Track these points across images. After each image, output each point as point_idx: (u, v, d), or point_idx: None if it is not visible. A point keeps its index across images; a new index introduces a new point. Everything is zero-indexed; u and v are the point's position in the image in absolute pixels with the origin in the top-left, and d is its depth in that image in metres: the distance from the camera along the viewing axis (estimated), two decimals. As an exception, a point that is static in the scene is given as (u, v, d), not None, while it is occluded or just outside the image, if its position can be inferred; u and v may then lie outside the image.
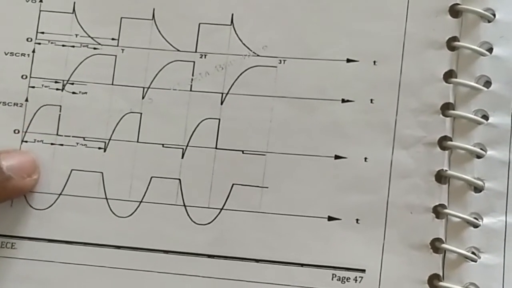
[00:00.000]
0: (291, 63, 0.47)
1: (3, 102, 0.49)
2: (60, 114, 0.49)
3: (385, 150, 0.45)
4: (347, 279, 0.45)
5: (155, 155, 0.48)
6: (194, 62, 0.48)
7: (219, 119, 0.47)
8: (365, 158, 0.46)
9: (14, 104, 0.49)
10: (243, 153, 0.47)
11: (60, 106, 0.49)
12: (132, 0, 0.49)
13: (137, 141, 0.48)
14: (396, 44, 0.46)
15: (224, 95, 0.47)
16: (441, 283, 0.45)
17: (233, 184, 0.47)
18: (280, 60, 0.47)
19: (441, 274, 0.45)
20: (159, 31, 0.48)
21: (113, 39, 0.49)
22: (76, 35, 0.49)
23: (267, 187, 0.46)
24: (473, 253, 0.45)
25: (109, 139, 0.48)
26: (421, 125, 0.45)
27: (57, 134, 0.49)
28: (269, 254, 0.46)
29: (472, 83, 0.45)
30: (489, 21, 0.46)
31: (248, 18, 0.48)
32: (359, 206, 0.46)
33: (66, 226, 0.48)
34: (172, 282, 0.47)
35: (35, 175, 0.48)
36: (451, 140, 0.45)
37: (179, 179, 0.47)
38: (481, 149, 0.45)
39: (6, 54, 0.49)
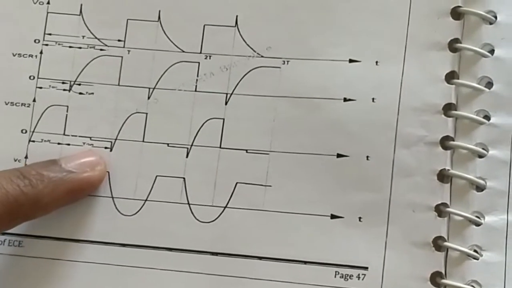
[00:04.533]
0: (294, 63, 0.45)
1: (11, 103, 0.47)
2: (67, 114, 0.47)
3: (387, 149, 0.44)
4: (350, 276, 0.43)
5: (160, 154, 0.46)
6: (199, 63, 0.46)
7: (224, 119, 0.45)
8: (367, 157, 0.44)
9: (22, 104, 0.47)
10: (246, 152, 0.45)
11: (67, 106, 0.47)
12: (138, 2, 0.47)
13: (143, 141, 0.46)
14: (398, 45, 0.44)
15: (228, 95, 0.46)
16: (444, 281, 0.43)
17: (236, 183, 0.45)
18: (284, 61, 0.45)
19: (443, 272, 0.43)
20: (164, 33, 0.47)
21: (119, 40, 0.47)
22: (83, 36, 0.47)
23: (270, 186, 0.44)
24: (475, 251, 0.43)
25: (115, 139, 0.46)
26: (423, 125, 0.44)
27: (64, 134, 0.47)
28: (272, 252, 0.45)
29: (474, 84, 0.44)
30: (490, 23, 0.44)
31: (252, 19, 0.46)
32: (362, 204, 0.44)
33: (72, 224, 0.46)
34: (176, 279, 0.45)
35: (98, 167, 0.45)
36: (453, 140, 0.43)
37: (184, 178, 0.45)
38: (483, 148, 0.43)
39: (14, 55, 0.47)
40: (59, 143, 0.47)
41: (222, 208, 0.45)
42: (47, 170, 0.44)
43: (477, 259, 0.43)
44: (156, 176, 0.46)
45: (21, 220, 0.43)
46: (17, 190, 0.42)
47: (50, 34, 0.48)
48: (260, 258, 0.44)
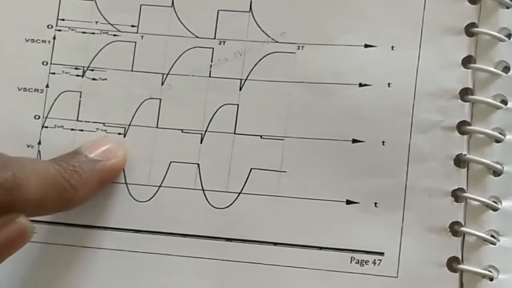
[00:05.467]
0: (309, 49, 0.45)
1: (24, 88, 0.47)
2: (80, 100, 0.47)
3: (403, 134, 0.43)
4: (366, 262, 0.43)
5: (174, 140, 0.46)
6: (213, 48, 0.46)
7: (238, 105, 0.45)
8: (383, 142, 0.43)
9: (35, 90, 0.47)
10: (261, 138, 0.45)
11: (81, 92, 0.47)
12: (152, -13, 0.46)
13: (157, 127, 0.46)
14: (414, 30, 0.44)
15: (242, 81, 0.45)
16: (461, 266, 0.42)
17: (251, 169, 0.44)
18: (299, 46, 0.45)
19: (460, 257, 0.43)
20: (178, 18, 0.46)
21: (132, 26, 0.47)
22: (96, 22, 0.47)
23: (285, 172, 0.44)
24: (492, 236, 0.42)
25: (129, 125, 0.46)
26: (439, 110, 0.43)
27: (77, 120, 0.47)
28: (287, 238, 0.44)
29: (491, 68, 0.43)
30: (507, 7, 0.44)
31: (267, 4, 0.46)
32: (377, 190, 0.44)
33: (86, 210, 0.46)
34: (190, 265, 0.45)
35: (120, 152, 0.45)
36: (470, 125, 0.43)
37: (198, 164, 0.45)
38: (500, 133, 0.43)
39: (27, 41, 0.47)
40: (72, 129, 0.47)
41: (237, 194, 0.45)
42: (76, 161, 0.44)
43: (494, 244, 0.43)
44: (170, 162, 0.46)
45: (61, 207, 0.43)
46: (61, 177, 0.42)
47: (63, 20, 0.48)
48: (275, 244, 0.44)
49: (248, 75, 0.46)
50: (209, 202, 0.45)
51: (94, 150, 0.45)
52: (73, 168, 0.43)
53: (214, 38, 0.46)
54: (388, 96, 0.44)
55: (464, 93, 0.44)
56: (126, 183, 0.46)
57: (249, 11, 0.46)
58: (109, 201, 0.46)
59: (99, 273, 0.46)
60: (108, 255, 0.46)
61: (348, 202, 0.44)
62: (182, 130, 0.46)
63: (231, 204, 0.45)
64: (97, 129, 0.47)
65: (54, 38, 0.47)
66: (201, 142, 0.46)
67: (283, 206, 0.44)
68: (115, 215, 0.46)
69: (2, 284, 0.45)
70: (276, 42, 0.46)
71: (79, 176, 0.43)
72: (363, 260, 0.43)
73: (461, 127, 0.44)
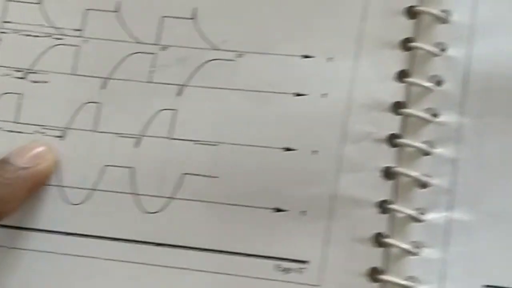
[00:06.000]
0: (249, 57, 0.48)
1: (-36, 89, 0.49)
2: (20, 103, 0.49)
3: (334, 144, 0.46)
4: (289, 270, 0.45)
5: (110, 144, 0.48)
6: (155, 54, 0.49)
7: (176, 110, 0.47)
8: (315, 151, 0.46)
9: (-24, 91, 0.49)
10: (195, 143, 0.47)
11: (21, 94, 0.49)
12: (98, -8, 0.49)
13: (95, 130, 0.49)
14: (351, 42, 0.47)
15: (182, 87, 0.48)
16: (382, 276, 0.45)
17: (184, 174, 0.47)
18: (239, 54, 0.48)
19: (382, 268, 0.45)
20: (122, 23, 0.49)
21: (77, 30, 0.50)
22: (41, 25, 0.50)
23: (217, 177, 0.46)
24: (416, 247, 0.44)
25: (68, 128, 0.48)
26: (371, 122, 0.46)
27: (16, 122, 0.49)
28: (216, 244, 0.47)
29: (423, 83, 0.46)
30: (443, 22, 0.46)
31: (211, 12, 0.49)
32: (307, 199, 0.46)
33: (19, 211, 0.48)
34: (119, 269, 0.47)
35: (49, 155, 0.47)
36: (401, 138, 0.45)
37: (132, 168, 0.48)
38: (429, 146, 0.45)
39: (-30, 43, 0.49)
40: (10, 131, 0.49)
41: (169, 199, 0.47)
42: (4, 172, 0.46)
43: (417, 255, 0.45)
44: (106, 165, 0.48)
45: None
46: None
47: (9, 22, 0.50)
48: (204, 250, 0.47)
49: (188, 81, 0.48)
50: (141, 206, 0.48)
51: (22, 156, 0.47)
52: (2, 180, 0.46)
53: (157, 44, 0.49)
54: (323, 106, 0.47)
55: (397, 107, 0.46)
56: (60, 186, 0.48)
57: (193, 18, 0.49)
58: (42, 202, 0.49)
59: (27, 274, 0.48)
60: (37, 257, 0.48)
61: (277, 209, 0.46)
62: (119, 134, 0.48)
63: (163, 209, 0.47)
64: (35, 131, 0.49)
65: (-2, 40, 0.50)
66: (137, 147, 0.48)
67: (213, 212, 0.47)
68: (46, 217, 0.48)
69: None
70: (218, 49, 0.48)
71: (9, 186, 0.46)
72: (288, 268, 0.46)
73: (392, 139, 0.46)
